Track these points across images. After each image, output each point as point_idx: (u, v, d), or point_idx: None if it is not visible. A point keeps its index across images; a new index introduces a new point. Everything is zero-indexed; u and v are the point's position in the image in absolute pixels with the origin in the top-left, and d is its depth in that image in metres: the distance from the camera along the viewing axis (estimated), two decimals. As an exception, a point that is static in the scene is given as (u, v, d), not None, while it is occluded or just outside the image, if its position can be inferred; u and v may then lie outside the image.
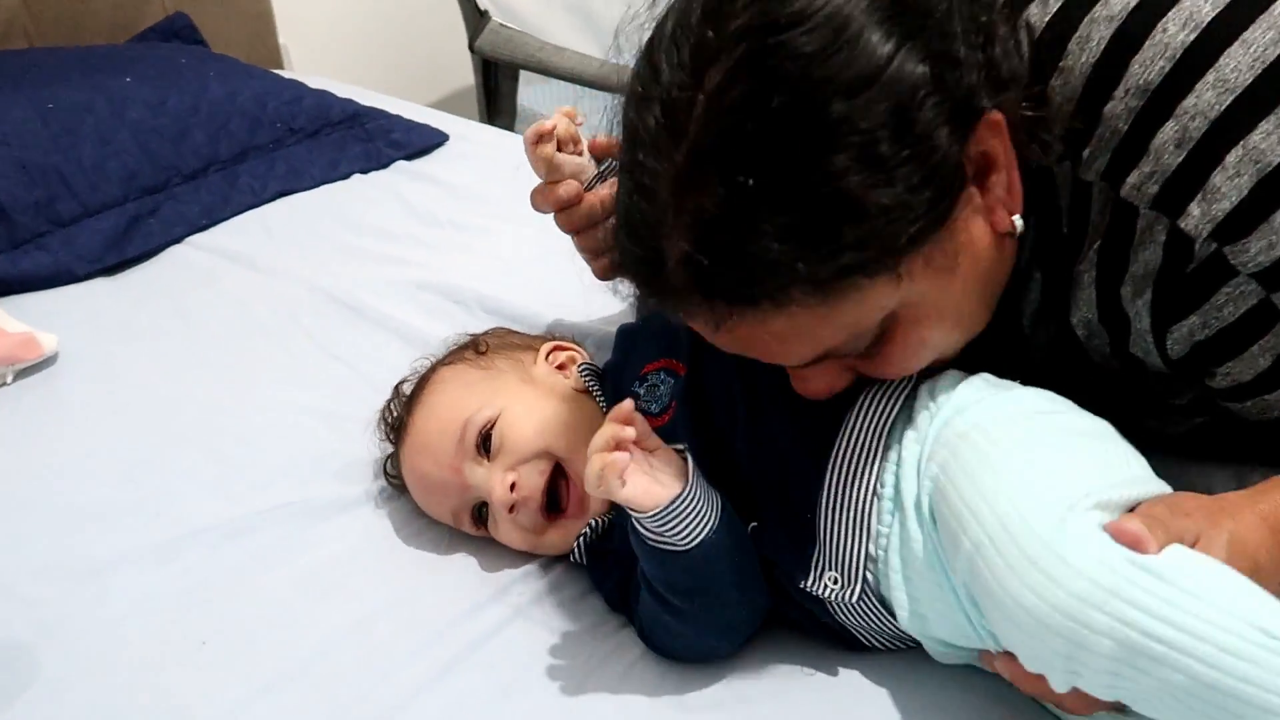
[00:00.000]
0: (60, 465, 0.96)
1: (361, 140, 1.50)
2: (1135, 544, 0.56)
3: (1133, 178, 0.62)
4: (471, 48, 2.06)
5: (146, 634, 0.78)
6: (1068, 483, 0.60)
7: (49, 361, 1.09)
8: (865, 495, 0.68)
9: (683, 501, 0.67)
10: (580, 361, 0.87)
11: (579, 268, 1.21)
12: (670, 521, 0.67)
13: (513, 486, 0.77)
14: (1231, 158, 0.59)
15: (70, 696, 0.74)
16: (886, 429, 0.69)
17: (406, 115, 1.57)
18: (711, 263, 0.58)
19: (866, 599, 0.69)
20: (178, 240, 1.32)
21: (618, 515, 0.77)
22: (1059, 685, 0.57)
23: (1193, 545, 0.58)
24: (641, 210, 0.61)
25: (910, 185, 0.57)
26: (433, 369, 0.88)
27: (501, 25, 2.01)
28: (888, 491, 0.68)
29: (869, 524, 0.68)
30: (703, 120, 0.57)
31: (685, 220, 0.58)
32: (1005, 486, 0.60)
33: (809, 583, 0.69)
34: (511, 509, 0.78)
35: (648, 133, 0.60)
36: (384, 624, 0.78)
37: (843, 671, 0.72)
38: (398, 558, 0.85)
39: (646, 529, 0.68)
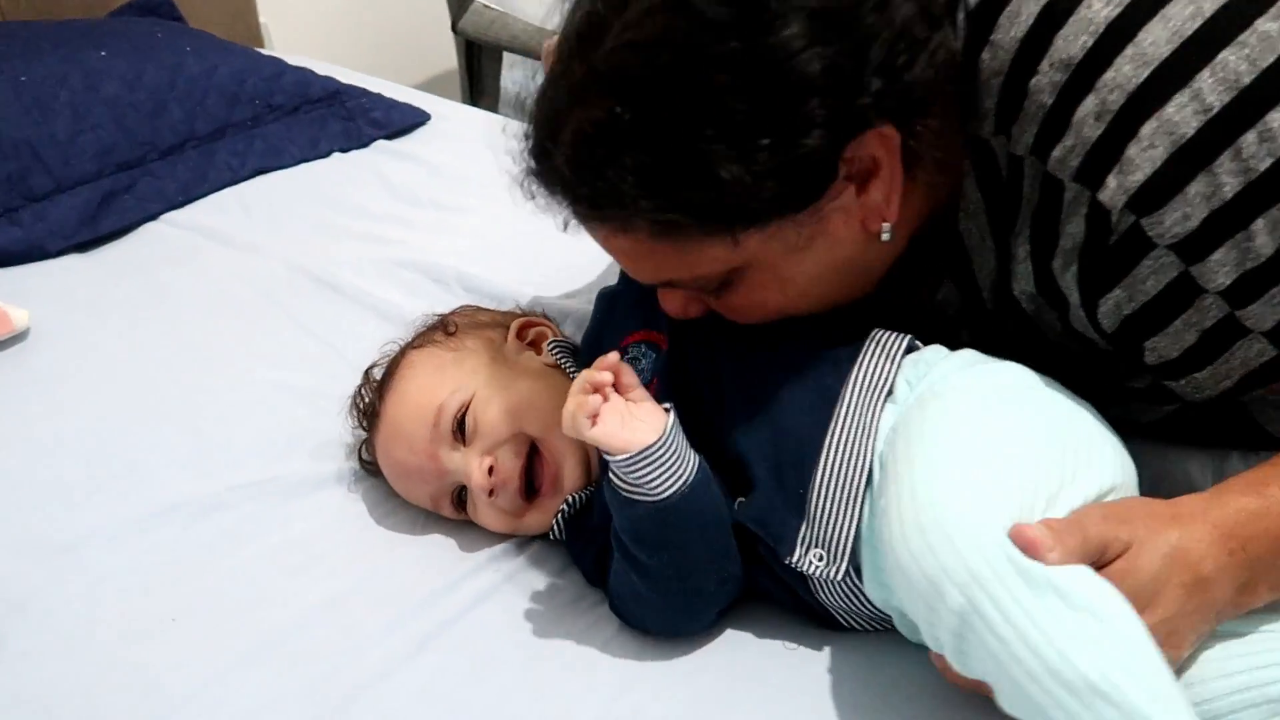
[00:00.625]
0: (32, 441, 0.94)
1: (341, 118, 1.48)
2: (1030, 550, 0.56)
3: (1057, 151, 0.63)
4: (454, 29, 2.05)
5: (118, 609, 0.78)
6: (995, 482, 0.61)
7: (21, 337, 1.07)
8: (860, 474, 0.68)
9: (656, 449, 0.67)
10: (550, 338, 0.86)
11: (560, 247, 1.21)
12: (641, 468, 0.67)
13: (490, 470, 0.76)
14: (1146, 130, 0.59)
15: (41, 671, 0.73)
16: (881, 406, 0.69)
17: (388, 95, 1.55)
18: (574, 174, 0.64)
19: (849, 577, 0.68)
20: (153, 217, 1.30)
21: (597, 490, 0.76)
22: (928, 641, 0.61)
23: (1121, 554, 0.59)
24: (543, 104, 0.66)
25: (764, 170, 0.61)
26: (402, 353, 0.86)
27: (485, 6, 2.00)
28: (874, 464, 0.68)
29: (861, 502, 0.67)
30: (610, 45, 0.62)
31: (570, 128, 0.63)
32: (936, 459, 0.62)
33: (794, 559, 0.69)
34: (491, 493, 0.77)
35: (569, 36, 0.65)
36: (358, 600, 0.78)
37: (823, 647, 0.72)
38: (373, 534, 0.84)
39: (617, 475, 0.68)
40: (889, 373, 0.71)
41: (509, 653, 0.73)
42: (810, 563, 0.68)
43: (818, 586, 0.70)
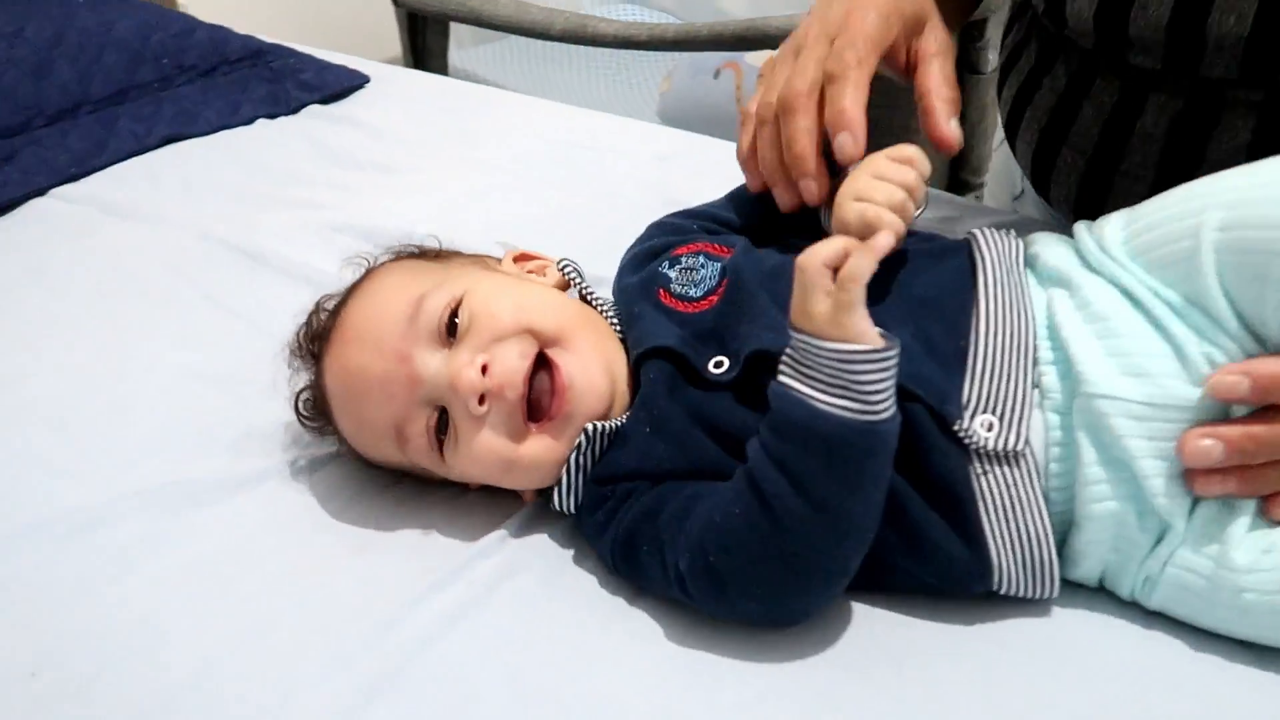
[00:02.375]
0: None
1: (266, 81, 1.29)
2: None
3: None
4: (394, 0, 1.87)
5: (-44, 665, 0.57)
6: None
7: None
8: (1027, 325, 0.57)
9: (890, 349, 0.51)
10: (561, 259, 0.70)
11: (519, 205, 1.04)
12: (875, 368, 0.51)
13: (484, 369, 0.58)
14: None
15: None
16: (1022, 265, 0.60)
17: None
18: None
19: (1028, 460, 0.54)
20: (41, 191, 1.09)
21: (630, 422, 0.59)
22: None
23: None
24: None
25: None
26: (369, 270, 0.69)
27: (428, -26, 1.82)
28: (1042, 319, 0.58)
29: (1034, 357, 0.56)
30: None
31: None
32: None
33: (962, 425, 0.55)
34: (482, 400, 0.58)
35: None
36: (283, 633, 0.58)
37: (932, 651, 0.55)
38: (306, 547, 0.64)
39: (832, 373, 0.51)
40: (1013, 241, 0.62)
41: (499, 690, 0.54)
42: (977, 432, 0.54)
43: (982, 479, 0.54)
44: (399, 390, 0.60)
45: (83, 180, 1.11)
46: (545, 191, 1.06)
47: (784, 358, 0.53)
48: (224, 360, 0.81)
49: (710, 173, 0.95)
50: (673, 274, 0.64)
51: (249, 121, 1.24)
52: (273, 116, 1.26)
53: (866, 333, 0.51)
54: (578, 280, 0.68)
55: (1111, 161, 0.69)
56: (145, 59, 1.21)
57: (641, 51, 1.98)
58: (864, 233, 0.56)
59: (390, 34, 1.97)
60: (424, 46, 1.92)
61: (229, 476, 0.70)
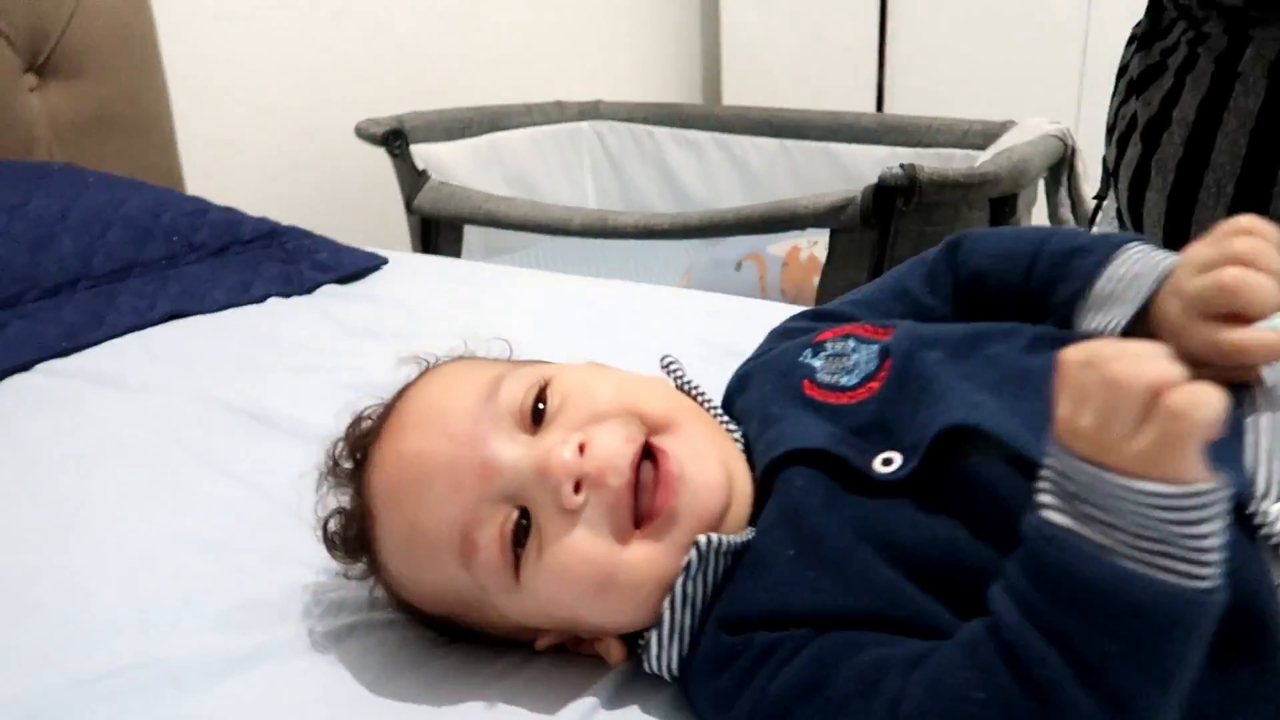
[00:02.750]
0: None
1: (280, 261, 1.22)
2: None
3: None
4: (409, 207, 1.86)
5: None
6: None
7: None
8: None
9: (1219, 491, 0.37)
10: (664, 356, 0.59)
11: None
12: (1210, 520, 0.37)
13: (582, 449, 0.46)
14: None
15: None
16: None
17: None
18: None
19: None
20: (25, 367, 0.99)
21: (763, 541, 0.45)
22: None
23: None
24: None
25: None
26: (427, 368, 0.58)
27: (441, 183, 1.83)
28: None
29: None
30: None
31: None
32: None
33: (1256, 505, 0.42)
34: (578, 488, 0.45)
35: None
36: None
37: None
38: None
39: (1163, 535, 0.37)
40: None
41: None
42: (1275, 517, 0.41)
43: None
44: (470, 480, 0.47)
45: (73, 355, 1.01)
46: (591, 352, 0.97)
47: (1046, 484, 0.39)
48: (216, 526, 0.68)
49: (772, 324, 0.86)
50: (817, 363, 0.53)
51: (259, 300, 1.17)
52: (285, 295, 1.19)
53: (1198, 473, 0.37)
54: (682, 376, 0.57)
55: (1267, 172, 0.62)
56: (154, 236, 1.15)
57: (658, 249, 1.96)
58: (1215, 306, 0.44)
59: (401, 242, 1.95)
60: (436, 247, 1.90)
61: (216, 656, 0.55)
